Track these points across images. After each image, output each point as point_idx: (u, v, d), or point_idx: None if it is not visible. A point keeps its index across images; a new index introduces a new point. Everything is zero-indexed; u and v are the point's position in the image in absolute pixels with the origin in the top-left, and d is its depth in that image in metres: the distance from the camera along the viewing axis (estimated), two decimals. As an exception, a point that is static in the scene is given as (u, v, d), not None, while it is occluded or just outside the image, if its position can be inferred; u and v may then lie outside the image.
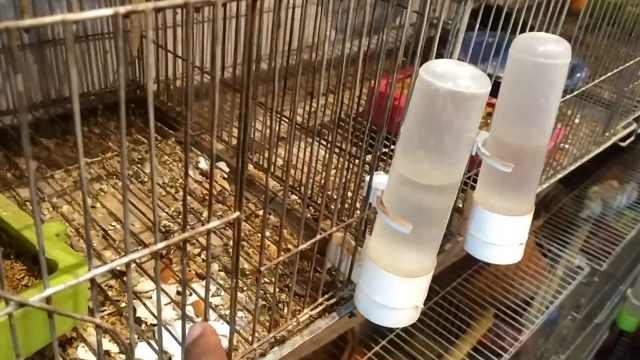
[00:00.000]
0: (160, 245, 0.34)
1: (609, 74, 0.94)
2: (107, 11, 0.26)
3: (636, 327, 1.91)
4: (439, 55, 0.52)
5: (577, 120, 1.01)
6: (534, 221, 1.56)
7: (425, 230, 0.48)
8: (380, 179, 0.51)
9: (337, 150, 0.70)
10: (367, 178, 0.53)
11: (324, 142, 0.77)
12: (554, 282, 1.43)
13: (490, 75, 0.57)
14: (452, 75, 0.42)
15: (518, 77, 0.54)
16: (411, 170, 0.46)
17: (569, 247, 1.51)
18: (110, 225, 0.65)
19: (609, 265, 1.47)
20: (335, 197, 0.64)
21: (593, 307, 1.59)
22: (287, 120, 0.77)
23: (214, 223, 0.36)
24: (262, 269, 0.46)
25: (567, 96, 0.81)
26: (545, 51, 0.52)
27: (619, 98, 0.99)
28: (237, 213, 0.38)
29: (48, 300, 0.30)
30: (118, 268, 0.39)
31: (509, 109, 0.55)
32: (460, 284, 1.37)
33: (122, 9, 0.26)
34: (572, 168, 0.89)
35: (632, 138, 1.12)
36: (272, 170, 0.76)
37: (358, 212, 0.60)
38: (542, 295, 1.41)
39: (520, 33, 0.58)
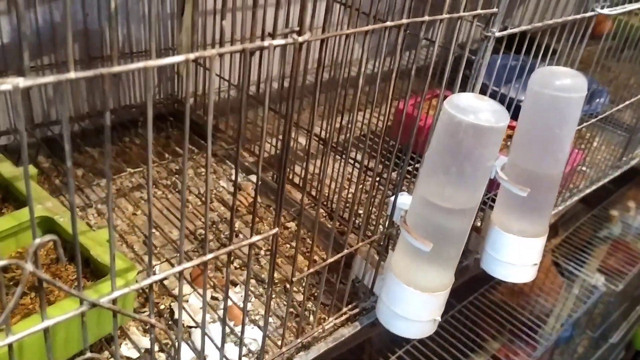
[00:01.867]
0: (210, 256, 0.38)
1: (633, 99, 0.96)
2: (179, 58, 0.30)
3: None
4: (465, 79, 0.56)
5: (594, 144, 1.03)
6: (552, 240, 1.58)
7: (444, 249, 0.52)
8: (404, 200, 0.55)
9: (364, 168, 0.74)
10: (392, 198, 0.57)
11: (351, 161, 0.82)
12: (569, 301, 1.45)
13: (512, 99, 0.61)
14: (473, 109, 0.46)
15: (536, 108, 0.57)
16: (433, 194, 0.50)
17: (586, 266, 1.53)
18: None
19: (626, 286, 1.48)
20: (362, 213, 0.68)
21: (609, 327, 1.61)
22: (316, 138, 0.81)
23: (256, 238, 0.41)
24: (293, 279, 0.50)
25: (589, 121, 0.84)
26: (561, 85, 0.55)
27: (638, 123, 1.02)
28: (276, 229, 0.42)
29: (114, 301, 0.34)
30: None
31: (527, 138, 0.59)
32: (476, 298, 1.40)
33: (192, 56, 0.31)
34: (588, 191, 0.92)
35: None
36: (299, 185, 0.81)
37: (382, 227, 0.63)
38: (557, 313, 1.43)
39: (542, 57, 0.61)
